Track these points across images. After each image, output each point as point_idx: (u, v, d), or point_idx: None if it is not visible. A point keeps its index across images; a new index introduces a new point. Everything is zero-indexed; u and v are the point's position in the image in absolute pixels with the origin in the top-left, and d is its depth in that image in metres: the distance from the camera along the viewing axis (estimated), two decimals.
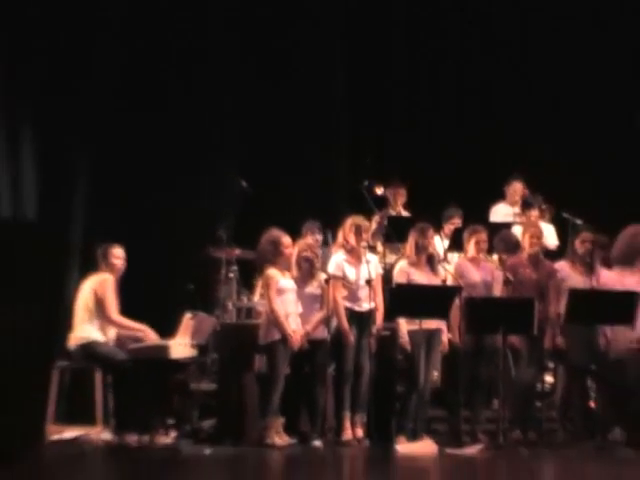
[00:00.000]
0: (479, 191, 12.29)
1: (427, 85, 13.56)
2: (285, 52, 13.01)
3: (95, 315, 10.09)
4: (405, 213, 12.06)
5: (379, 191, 11.99)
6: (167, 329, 10.23)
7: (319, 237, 11.05)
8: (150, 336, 10.11)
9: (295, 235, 10.54)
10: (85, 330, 10.09)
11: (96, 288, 10.08)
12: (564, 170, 13.07)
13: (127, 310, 10.24)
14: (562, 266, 10.63)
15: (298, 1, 13.24)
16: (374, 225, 11.24)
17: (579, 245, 10.65)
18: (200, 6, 12.48)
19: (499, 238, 10.92)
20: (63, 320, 10.21)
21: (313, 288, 10.27)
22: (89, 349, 10.05)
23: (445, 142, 13.21)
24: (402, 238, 10.71)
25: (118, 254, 10.22)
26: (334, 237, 10.64)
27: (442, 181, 12.58)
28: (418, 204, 12.02)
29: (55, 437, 9.88)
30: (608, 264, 10.75)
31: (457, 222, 11.73)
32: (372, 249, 11.06)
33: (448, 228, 11.72)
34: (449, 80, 13.52)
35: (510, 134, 13.19)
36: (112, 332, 10.17)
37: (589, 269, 10.50)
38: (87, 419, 10.01)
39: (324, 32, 13.45)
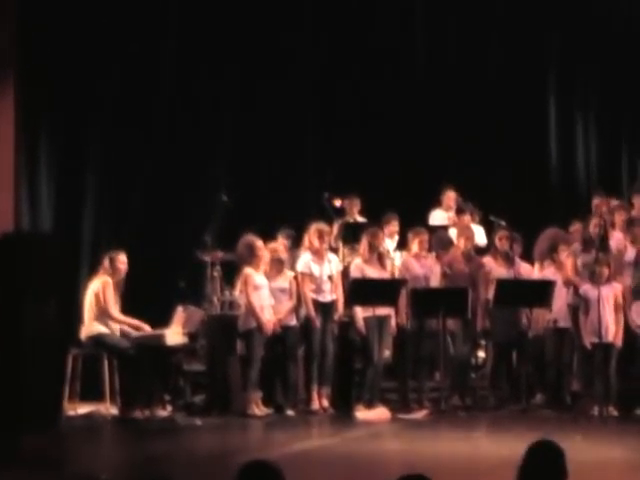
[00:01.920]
0: (419, 199, 12.35)
1: (372, 115, 13.44)
2: (264, 86, 12.87)
3: (98, 314, 10.01)
4: (361, 219, 12.00)
5: (337, 202, 11.98)
6: (163, 320, 10.22)
7: (286, 241, 10.99)
8: (146, 329, 10.09)
9: (269, 239, 10.52)
10: (93, 325, 10.02)
11: (97, 291, 10.01)
12: (490, 181, 13.14)
13: (131, 304, 10.24)
14: (488, 260, 10.73)
15: (275, 40, 13.06)
16: (335, 230, 11.25)
17: (497, 242, 10.75)
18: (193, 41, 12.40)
19: (435, 237, 10.87)
20: (75, 315, 10.23)
21: (282, 283, 10.30)
22: (97, 339, 10.00)
23: (393, 161, 13.16)
24: (357, 240, 10.75)
25: (123, 259, 10.16)
26: (301, 241, 10.68)
27: (389, 192, 12.53)
28: (372, 211, 12.00)
29: (71, 412, 9.84)
30: (523, 256, 10.91)
31: (395, 224, 11.61)
32: (334, 250, 11.10)
33: (388, 230, 11.52)
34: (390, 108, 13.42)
35: (443, 152, 13.17)
36: (115, 324, 10.12)
37: (509, 261, 10.65)
38: (97, 397, 9.98)
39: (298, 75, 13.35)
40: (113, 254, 10.18)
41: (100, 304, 10.00)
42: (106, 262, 10.14)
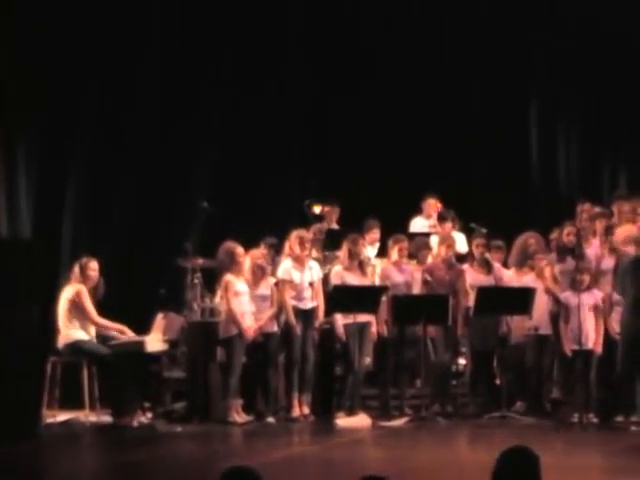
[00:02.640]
0: (400, 207, 12.37)
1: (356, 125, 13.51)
2: (248, 94, 12.93)
3: (75, 319, 9.96)
4: (336, 227, 11.97)
5: (317, 209, 12.02)
6: (143, 327, 10.20)
7: (267, 250, 10.97)
8: (128, 332, 10.07)
9: (250, 246, 10.49)
10: (70, 333, 9.98)
11: (72, 298, 9.95)
12: (472, 188, 13.20)
13: (111, 311, 10.20)
14: (467, 268, 10.78)
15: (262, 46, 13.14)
16: (310, 235, 11.28)
17: (475, 249, 10.80)
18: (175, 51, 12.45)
19: (412, 244, 10.91)
20: (54, 323, 10.22)
21: (264, 289, 10.29)
22: (76, 346, 9.96)
23: (375, 168, 13.21)
24: (337, 247, 10.78)
25: (94, 267, 10.08)
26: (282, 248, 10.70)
27: (370, 199, 12.57)
28: (351, 219, 12.02)
29: (49, 420, 9.80)
30: (505, 264, 10.95)
31: (376, 232, 11.59)
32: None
33: (370, 237, 11.52)
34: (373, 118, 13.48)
35: (424, 160, 13.26)
36: (92, 330, 10.08)
37: (487, 268, 10.69)
38: (76, 405, 9.94)
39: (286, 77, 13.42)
40: (84, 261, 10.11)
41: (76, 311, 9.95)
42: (76, 269, 10.08)
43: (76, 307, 9.98)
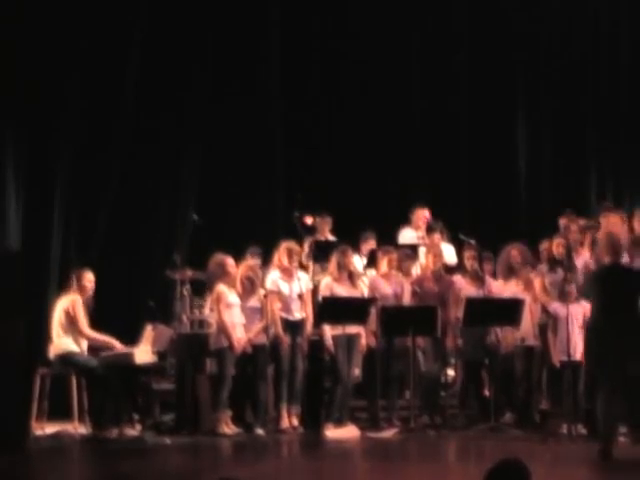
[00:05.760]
0: (389, 219, 12.38)
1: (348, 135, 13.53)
2: (231, 104, 12.94)
3: (68, 330, 9.95)
4: (332, 238, 11.98)
5: (309, 220, 12.01)
6: (132, 339, 10.17)
7: (259, 260, 11.02)
8: (117, 346, 10.05)
9: (238, 258, 10.53)
10: (62, 343, 9.96)
11: (67, 308, 9.95)
12: (460, 199, 13.24)
13: (100, 323, 10.15)
14: (457, 279, 10.78)
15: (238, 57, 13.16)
16: (306, 249, 11.30)
17: (465, 261, 10.82)
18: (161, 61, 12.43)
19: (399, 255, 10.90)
20: (43, 334, 10.18)
21: (254, 302, 10.30)
22: (66, 358, 9.94)
23: (362, 179, 13.23)
24: (328, 259, 10.76)
25: (90, 278, 10.11)
26: (269, 259, 10.71)
27: (360, 210, 12.59)
28: (342, 229, 12.03)
29: (38, 432, 9.79)
30: (494, 275, 10.96)
31: (372, 243, 11.66)
32: (305, 268, 11.13)
33: (365, 249, 11.60)
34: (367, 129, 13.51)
35: (413, 169, 13.30)
36: (84, 343, 10.07)
37: (478, 280, 10.69)
38: (65, 417, 9.93)
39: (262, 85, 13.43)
40: (79, 272, 10.13)
41: (70, 321, 9.93)
42: (73, 280, 10.09)
43: (70, 318, 9.95)
